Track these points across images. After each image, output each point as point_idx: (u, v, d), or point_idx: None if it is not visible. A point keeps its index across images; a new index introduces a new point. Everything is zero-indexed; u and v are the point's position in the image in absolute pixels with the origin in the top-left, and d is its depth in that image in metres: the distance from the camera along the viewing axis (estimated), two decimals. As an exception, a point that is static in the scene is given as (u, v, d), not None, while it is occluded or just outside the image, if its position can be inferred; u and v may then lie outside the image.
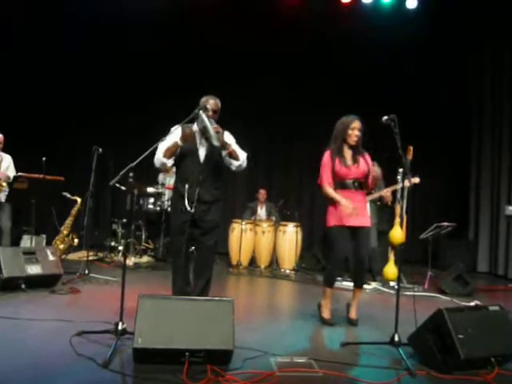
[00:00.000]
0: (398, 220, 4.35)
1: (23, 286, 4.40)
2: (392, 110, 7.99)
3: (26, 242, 6.58)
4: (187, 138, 3.65)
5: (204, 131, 3.61)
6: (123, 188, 6.84)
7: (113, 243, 6.93)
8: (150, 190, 6.70)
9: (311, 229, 8.28)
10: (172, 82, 7.56)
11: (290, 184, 8.43)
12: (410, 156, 5.97)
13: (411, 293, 5.58)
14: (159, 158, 3.72)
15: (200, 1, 7.57)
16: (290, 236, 6.93)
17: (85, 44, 7.68)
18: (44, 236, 6.78)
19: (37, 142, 6.92)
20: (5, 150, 5.65)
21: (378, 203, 6.00)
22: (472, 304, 4.84)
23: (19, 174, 5.32)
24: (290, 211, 7.11)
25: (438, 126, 8.13)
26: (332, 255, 3.93)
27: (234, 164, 3.80)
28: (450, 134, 8.24)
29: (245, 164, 3.85)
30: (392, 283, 5.84)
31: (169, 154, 3.70)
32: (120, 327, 3.06)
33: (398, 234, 4.02)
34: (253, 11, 7.83)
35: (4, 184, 5.24)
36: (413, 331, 3.24)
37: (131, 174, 3.22)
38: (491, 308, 3.23)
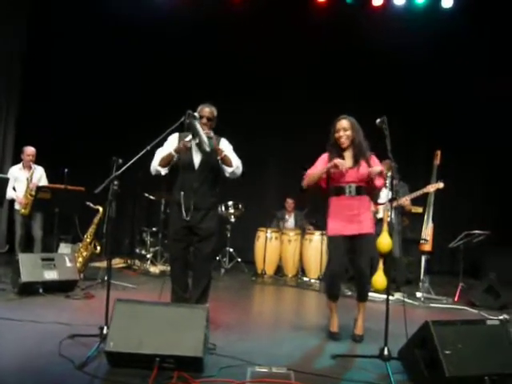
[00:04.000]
0: (385, 227, 4.12)
1: (41, 291, 4.62)
2: (424, 113, 7.85)
3: (63, 249, 6.87)
4: (181, 150, 3.71)
5: (196, 137, 3.65)
6: (152, 197, 7.05)
7: (142, 251, 7.13)
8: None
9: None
10: (193, 91, 7.70)
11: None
12: (437, 161, 5.72)
13: (437, 305, 5.38)
14: (154, 166, 3.82)
15: (226, 10, 7.75)
16: (316, 245, 6.79)
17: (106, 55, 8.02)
18: (80, 244, 7.07)
19: (60, 153, 7.29)
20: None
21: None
22: (500, 318, 4.49)
23: (42, 184, 5.63)
24: (315, 219, 6.98)
25: (475, 127, 7.72)
26: (329, 268, 3.79)
27: (227, 170, 3.81)
28: (489, 133, 7.78)
29: (239, 171, 3.85)
30: (418, 294, 5.60)
31: (163, 163, 3.79)
32: (105, 331, 3.14)
33: (385, 241, 3.80)
34: (280, 15, 7.86)
35: (34, 194, 5.57)
36: (402, 345, 3.06)
37: (116, 183, 3.26)
38: (489, 322, 2.98)
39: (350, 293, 5.46)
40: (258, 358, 3.15)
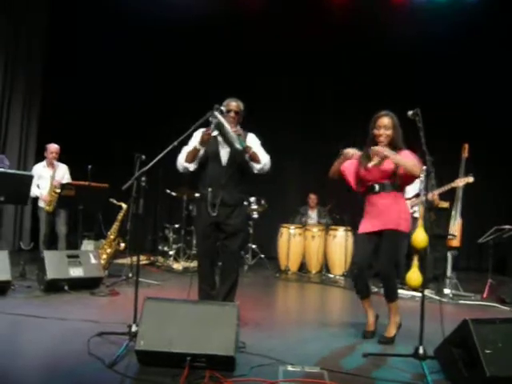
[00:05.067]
0: (421, 222, 4.00)
1: (66, 288, 4.62)
2: (449, 107, 7.67)
3: (86, 246, 6.90)
4: (205, 141, 3.65)
5: (224, 136, 3.58)
6: (173, 194, 7.03)
7: (165, 248, 7.12)
8: (198, 195, 6.76)
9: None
10: (219, 87, 7.65)
11: (341, 187, 8.17)
12: (465, 154, 5.57)
13: (466, 301, 5.25)
14: (181, 162, 3.77)
15: (242, 7, 7.69)
16: (340, 240, 6.70)
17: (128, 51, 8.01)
18: (103, 241, 7.08)
19: (84, 151, 7.29)
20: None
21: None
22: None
23: (66, 181, 5.65)
24: (339, 215, 6.88)
25: (503, 121, 7.53)
26: (352, 264, 3.71)
27: (256, 167, 3.73)
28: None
29: (267, 167, 3.77)
30: (446, 290, 5.47)
31: (190, 158, 3.73)
32: (133, 329, 3.10)
33: (420, 236, 3.69)
34: (300, 11, 7.76)
35: (58, 191, 5.58)
36: (439, 344, 2.97)
37: (143, 179, 3.22)
38: (529, 320, 2.87)
39: (376, 289, 5.35)
40: (288, 356, 3.09)
